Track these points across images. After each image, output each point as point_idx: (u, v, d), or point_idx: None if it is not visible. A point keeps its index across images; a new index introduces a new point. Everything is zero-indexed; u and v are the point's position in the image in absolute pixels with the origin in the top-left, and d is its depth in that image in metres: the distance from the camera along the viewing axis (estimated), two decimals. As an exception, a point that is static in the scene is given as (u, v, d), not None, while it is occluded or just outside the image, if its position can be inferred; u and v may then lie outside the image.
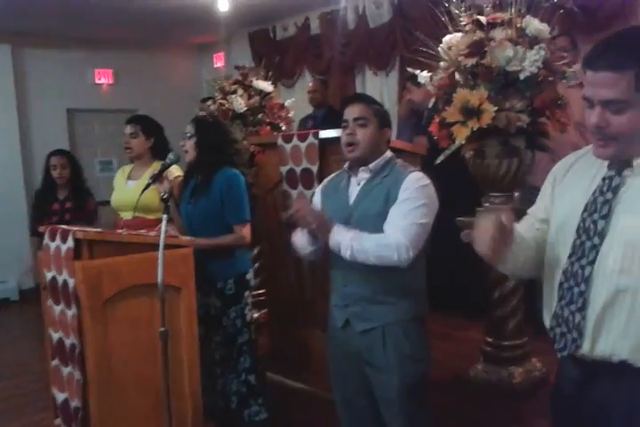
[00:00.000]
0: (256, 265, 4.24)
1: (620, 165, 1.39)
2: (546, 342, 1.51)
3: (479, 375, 3.07)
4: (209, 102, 4.50)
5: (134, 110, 6.53)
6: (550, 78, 2.72)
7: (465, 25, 2.81)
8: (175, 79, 7.77)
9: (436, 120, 2.87)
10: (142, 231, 2.76)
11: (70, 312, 2.22)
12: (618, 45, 1.34)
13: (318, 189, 2.33)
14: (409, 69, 3.18)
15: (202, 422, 2.47)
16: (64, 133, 7.09)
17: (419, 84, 3.31)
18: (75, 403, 2.24)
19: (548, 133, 2.80)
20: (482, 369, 3.08)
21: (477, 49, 2.70)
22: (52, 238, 2.36)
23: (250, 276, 2.89)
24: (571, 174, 1.53)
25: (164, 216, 2.22)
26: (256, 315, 4.01)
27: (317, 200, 2.27)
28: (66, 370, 2.30)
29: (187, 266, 2.42)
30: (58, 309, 2.32)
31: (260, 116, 4.28)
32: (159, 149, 3.27)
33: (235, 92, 4.28)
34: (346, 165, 2.19)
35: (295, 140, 3.17)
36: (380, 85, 5.91)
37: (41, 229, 2.54)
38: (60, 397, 2.35)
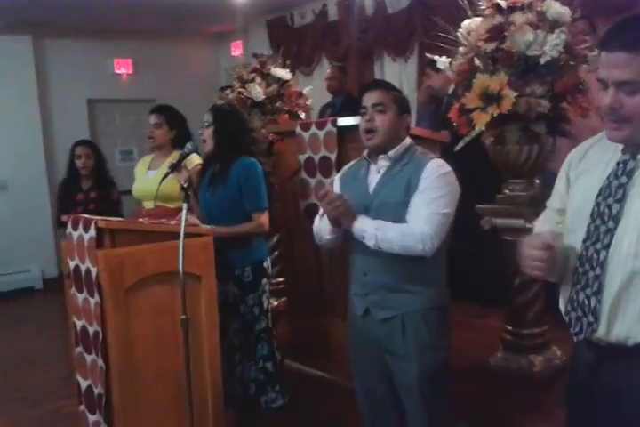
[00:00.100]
0: (275, 253, 4.26)
1: (634, 149, 1.39)
2: (566, 330, 1.51)
3: (499, 364, 3.06)
4: (227, 91, 4.51)
5: (153, 100, 6.56)
6: (571, 63, 2.68)
7: (484, 9, 2.78)
8: (194, 68, 7.78)
9: (456, 106, 2.84)
10: (163, 220, 2.78)
11: (93, 300, 2.25)
12: (632, 26, 1.34)
13: (337, 178, 2.32)
14: (428, 55, 3.15)
15: (222, 409, 2.50)
16: (85, 123, 7.16)
17: (438, 70, 3.28)
18: (98, 390, 2.27)
19: (569, 119, 2.77)
20: (502, 357, 3.07)
21: (497, 33, 2.67)
22: (75, 228, 2.39)
23: (267, 264, 2.90)
24: (586, 160, 1.53)
25: (185, 205, 2.24)
26: (275, 303, 4.05)
27: (336, 188, 2.26)
28: (89, 357, 2.33)
29: (207, 254, 2.43)
30: (81, 297, 2.35)
31: (278, 104, 4.28)
32: (181, 139, 3.28)
33: (253, 80, 4.27)
34: (365, 153, 2.17)
35: (313, 128, 3.16)
36: (398, 72, 5.85)
37: (64, 218, 2.57)
38: (84, 384, 2.39)
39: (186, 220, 2.18)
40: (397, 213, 2.01)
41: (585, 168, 1.52)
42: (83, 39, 6.96)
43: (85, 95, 7.15)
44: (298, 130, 3.27)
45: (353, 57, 6.17)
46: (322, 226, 2.16)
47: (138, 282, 2.25)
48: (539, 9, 2.67)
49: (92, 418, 2.33)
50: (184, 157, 2.67)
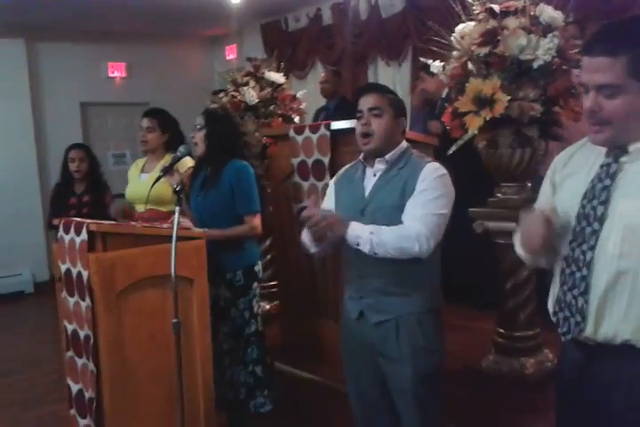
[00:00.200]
0: (268, 257, 4.25)
1: (616, 152, 1.42)
2: (558, 333, 1.51)
3: (491, 366, 3.06)
4: (221, 94, 4.50)
5: (147, 103, 6.54)
6: (564, 67, 2.69)
7: (478, 13, 2.78)
8: (188, 72, 7.78)
9: (449, 110, 2.85)
10: (156, 223, 2.78)
11: (84, 304, 2.24)
12: (614, 31, 1.38)
13: (332, 182, 2.31)
14: (422, 59, 3.16)
15: (214, 412, 2.49)
16: (78, 127, 7.14)
17: (432, 74, 3.28)
18: (89, 394, 2.26)
19: (562, 123, 2.78)
20: (493, 360, 3.07)
21: (490, 38, 2.68)
22: (67, 231, 2.38)
23: (258, 267, 2.90)
24: (570, 165, 1.56)
25: (177, 208, 2.23)
26: (267, 307, 4.03)
27: (331, 192, 2.26)
28: (80, 361, 2.32)
29: (199, 258, 2.43)
30: (72, 300, 2.34)
31: (271, 107, 4.27)
32: (174, 143, 3.27)
33: (247, 84, 4.27)
34: (361, 156, 2.17)
35: (307, 132, 3.16)
36: (392, 76, 5.87)
37: (55, 222, 2.56)
38: (75, 388, 2.38)
39: (178, 223, 2.18)
40: (392, 216, 2.00)
41: (570, 172, 1.55)
42: (76, 42, 6.96)
43: (78, 98, 7.13)
44: (291, 133, 3.27)
45: (347, 61, 6.18)
46: (307, 240, 2.16)
47: (129, 285, 2.24)
48: (532, 13, 2.68)
49: (82, 422, 2.32)
50: (176, 160, 2.66)
